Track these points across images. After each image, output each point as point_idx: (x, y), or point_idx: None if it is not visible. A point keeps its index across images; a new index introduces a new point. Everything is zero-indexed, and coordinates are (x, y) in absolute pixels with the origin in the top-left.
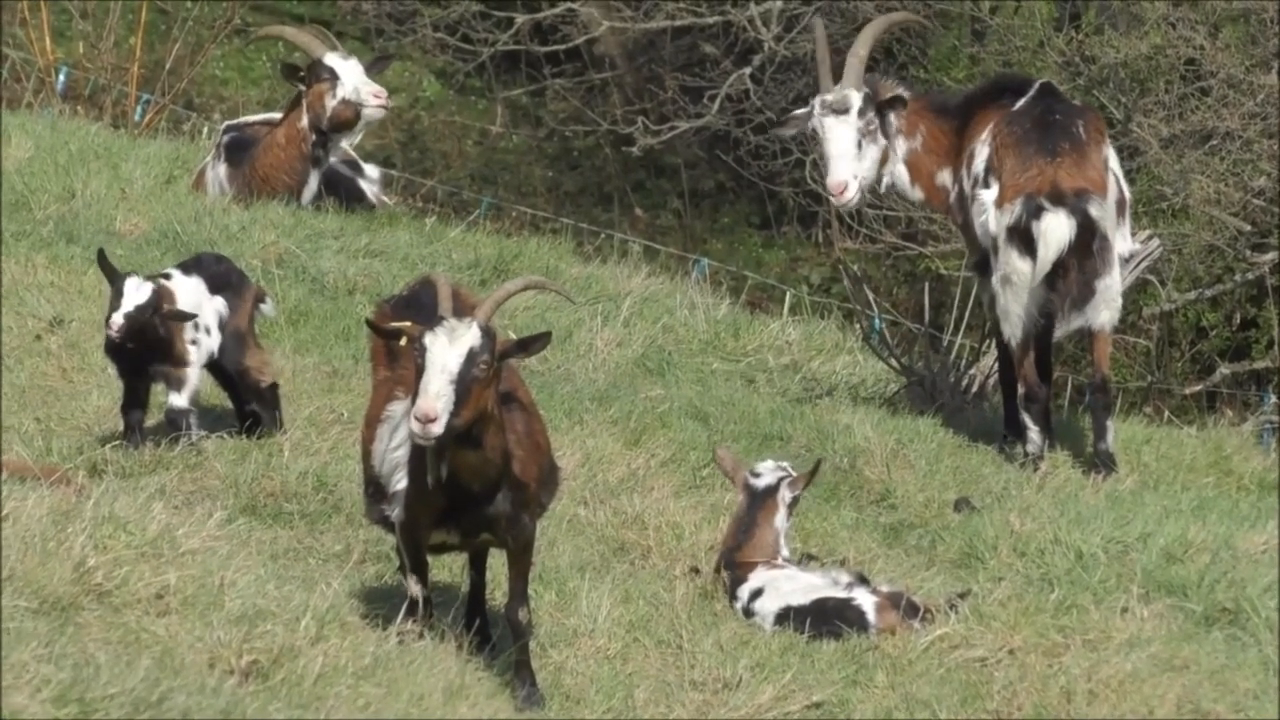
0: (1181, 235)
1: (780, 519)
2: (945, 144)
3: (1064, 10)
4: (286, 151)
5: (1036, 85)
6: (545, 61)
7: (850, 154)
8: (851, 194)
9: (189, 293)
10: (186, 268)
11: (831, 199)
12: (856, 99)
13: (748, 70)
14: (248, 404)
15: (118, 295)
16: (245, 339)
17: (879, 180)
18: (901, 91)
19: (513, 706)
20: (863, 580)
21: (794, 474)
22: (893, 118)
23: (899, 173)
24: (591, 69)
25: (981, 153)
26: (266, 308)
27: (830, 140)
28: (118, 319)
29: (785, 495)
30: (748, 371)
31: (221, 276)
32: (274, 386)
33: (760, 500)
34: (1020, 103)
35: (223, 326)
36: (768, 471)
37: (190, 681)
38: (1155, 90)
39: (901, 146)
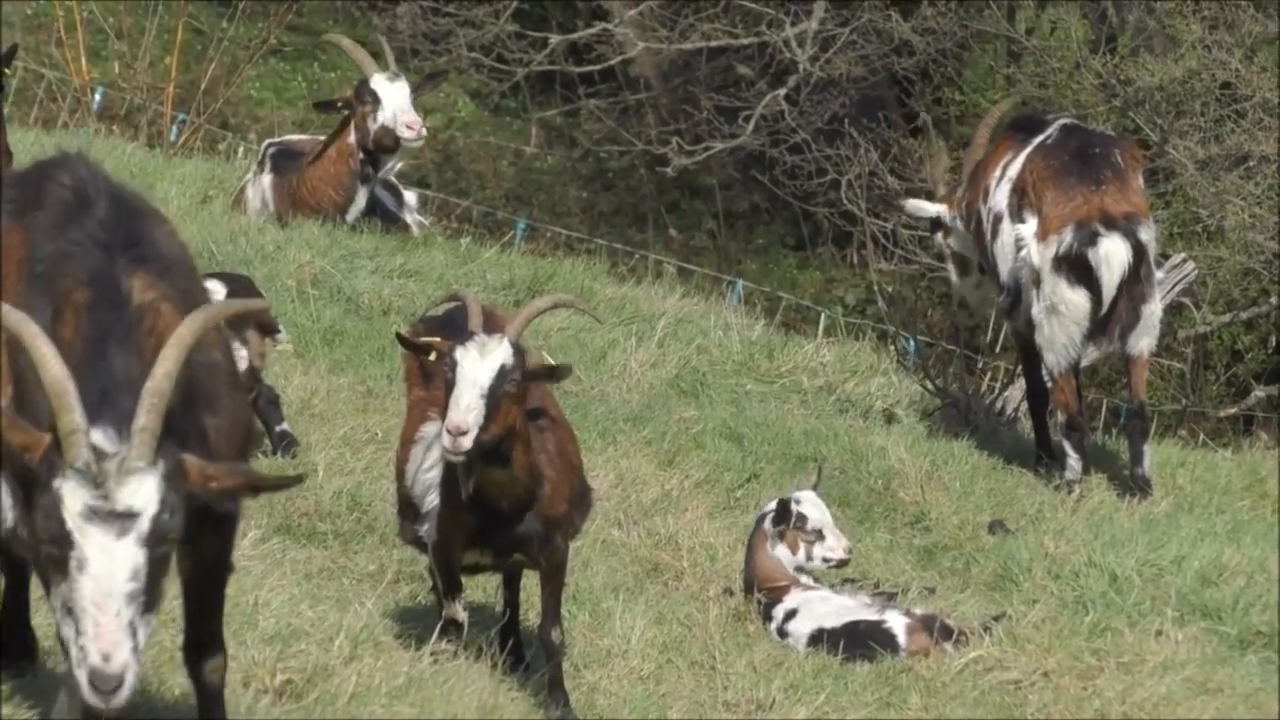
0: (1217, 258)
1: (778, 550)
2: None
3: (1100, 32)
4: (337, 166)
5: (1059, 122)
6: (580, 82)
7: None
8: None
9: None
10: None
11: None
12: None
13: (782, 91)
14: (279, 424)
15: None
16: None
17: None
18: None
19: None
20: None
21: (773, 510)
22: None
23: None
24: (626, 89)
25: (1000, 189)
26: (281, 337)
27: None
28: None
29: (768, 529)
30: (782, 393)
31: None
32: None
33: (755, 529)
34: (1043, 138)
35: None
36: (767, 504)
37: (225, 701)
38: (1191, 113)
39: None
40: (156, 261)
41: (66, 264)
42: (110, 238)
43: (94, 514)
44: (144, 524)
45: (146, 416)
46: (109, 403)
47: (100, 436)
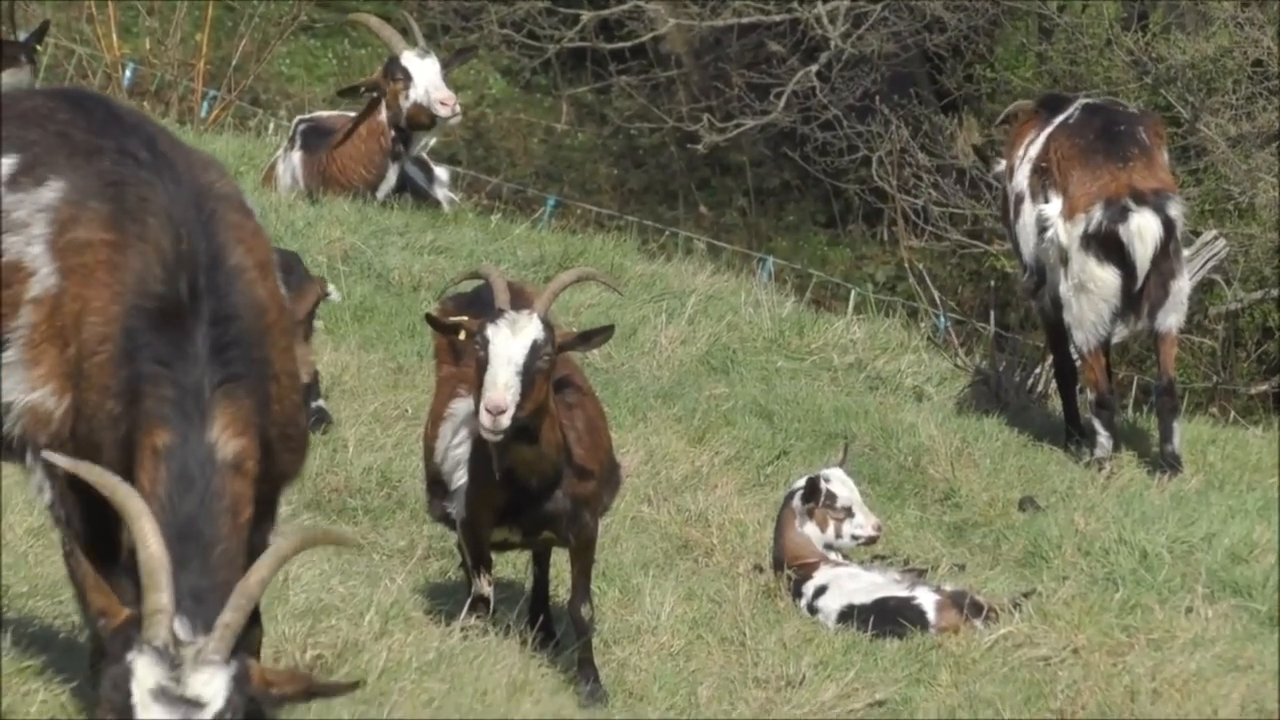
0: (1248, 236)
1: (807, 528)
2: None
3: (1131, 9)
4: (367, 144)
5: (1081, 101)
6: (611, 59)
7: None
8: None
9: None
10: None
11: None
12: None
13: (814, 67)
14: (315, 400)
15: None
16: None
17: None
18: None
19: (576, 703)
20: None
21: (802, 487)
22: None
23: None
24: (657, 66)
25: (1022, 169)
26: (332, 295)
27: None
28: None
29: (797, 506)
30: (812, 370)
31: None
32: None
33: (784, 506)
34: (1064, 117)
35: None
36: (797, 481)
37: None
38: (1223, 90)
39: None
40: (244, 380)
41: (159, 388)
42: (204, 355)
43: (163, 694)
44: (206, 716)
45: (233, 614)
46: (185, 594)
47: (177, 624)
